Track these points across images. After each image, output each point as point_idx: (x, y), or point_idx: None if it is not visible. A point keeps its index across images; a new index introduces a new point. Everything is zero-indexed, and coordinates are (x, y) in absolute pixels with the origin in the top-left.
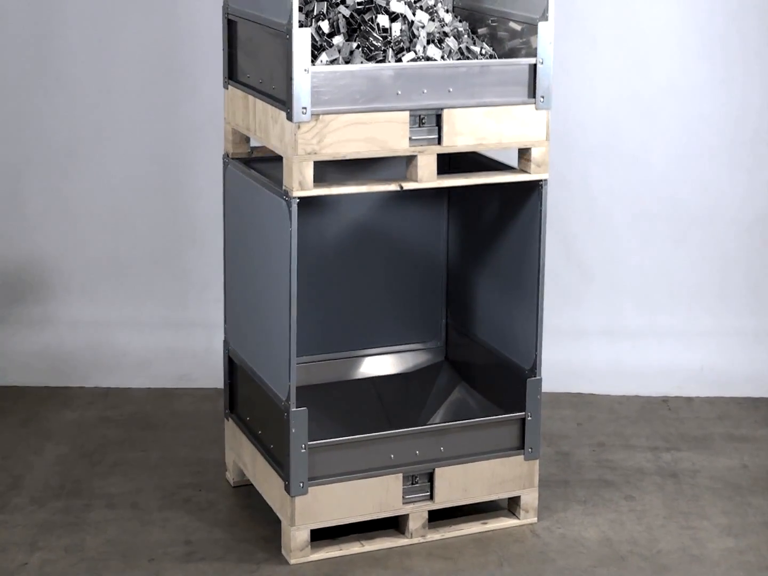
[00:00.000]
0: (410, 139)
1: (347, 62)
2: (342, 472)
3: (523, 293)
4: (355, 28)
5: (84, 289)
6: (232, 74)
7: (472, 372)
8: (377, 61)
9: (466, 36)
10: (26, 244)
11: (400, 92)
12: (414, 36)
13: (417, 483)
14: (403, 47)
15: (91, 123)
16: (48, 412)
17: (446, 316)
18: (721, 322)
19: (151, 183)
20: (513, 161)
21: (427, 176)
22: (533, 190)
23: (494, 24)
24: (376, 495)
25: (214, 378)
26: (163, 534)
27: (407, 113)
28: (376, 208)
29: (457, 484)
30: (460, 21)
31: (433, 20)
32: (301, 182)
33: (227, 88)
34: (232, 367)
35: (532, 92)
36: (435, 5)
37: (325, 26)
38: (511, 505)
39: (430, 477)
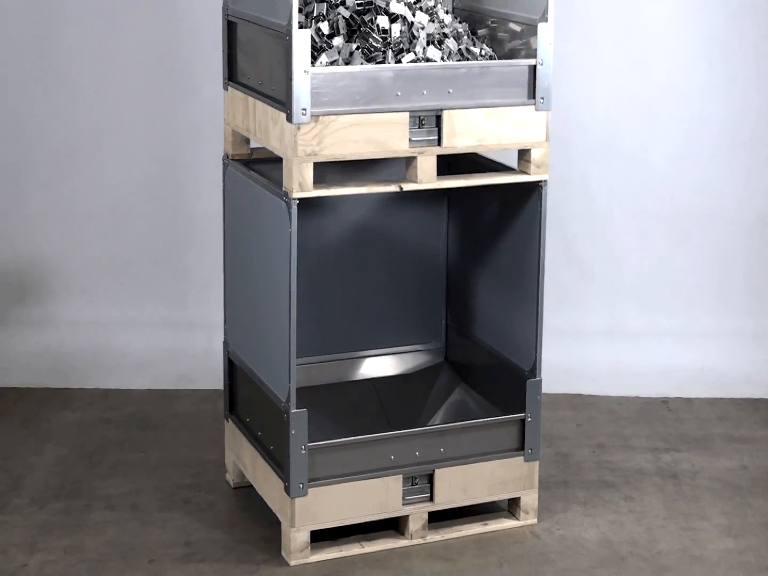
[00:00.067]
0: (410, 140)
1: (347, 63)
2: (342, 473)
3: (523, 294)
4: (354, 30)
5: (84, 289)
6: (231, 75)
7: (472, 373)
8: (377, 63)
9: (465, 37)
10: (26, 244)
11: (399, 93)
12: (414, 37)
13: (417, 484)
14: (402, 48)
15: (91, 123)
16: (48, 413)
17: (446, 317)
18: (721, 323)
19: (151, 183)
20: (513, 162)
21: (426, 177)
22: (533, 190)
23: (494, 25)
24: (376, 496)
25: (214, 379)
26: (162, 535)
27: (407, 114)
28: (376, 209)
29: (457, 485)
30: (460, 22)
31: (433, 21)
32: (301, 183)
33: (227, 89)
34: (232, 368)
35: (532, 93)
36: (435, 6)
37: (324, 27)
38: (511, 506)
39: (430, 478)
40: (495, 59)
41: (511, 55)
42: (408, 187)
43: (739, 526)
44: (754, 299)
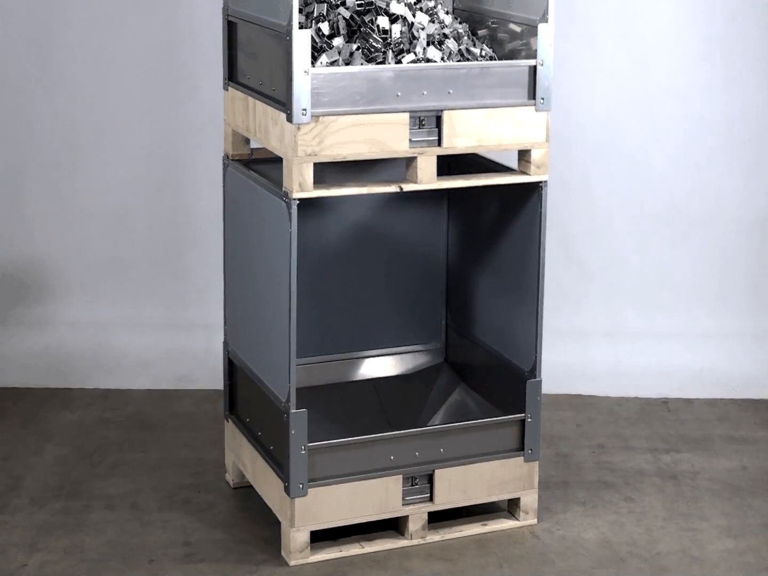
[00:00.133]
0: (410, 140)
1: (347, 64)
2: (342, 473)
3: (523, 295)
4: (355, 30)
5: (84, 289)
6: (232, 75)
7: (472, 373)
8: (377, 63)
9: (466, 38)
10: (26, 244)
11: (400, 94)
12: (414, 38)
13: (417, 484)
14: (403, 49)
15: (91, 123)
16: (48, 413)
17: (446, 318)
18: (721, 324)
19: (151, 183)
20: (513, 162)
21: (427, 178)
22: (533, 191)
23: (494, 25)
24: (376, 496)
25: (214, 379)
26: (162, 535)
27: (407, 115)
28: (376, 209)
29: (456, 485)
30: (460, 23)
31: (433, 22)
32: (301, 183)
33: (227, 90)
34: (231, 368)
35: (532, 94)
36: (435, 7)
37: (325, 28)
38: (511, 507)
39: (430, 478)
40: (495, 60)
41: (512, 55)
42: (408, 187)
43: (739, 527)
44: (753, 300)
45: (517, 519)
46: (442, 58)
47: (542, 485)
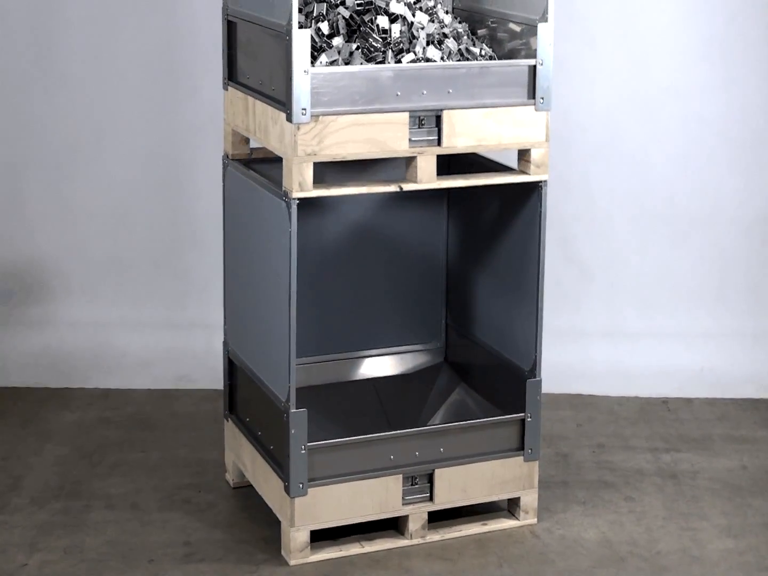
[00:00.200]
0: (410, 140)
1: (347, 63)
2: (342, 473)
3: (522, 294)
4: (354, 30)
5: (84, 289)
6: (231, 75)
7: (472, 373)
8: (377, 63)
9: (465, 37)
10: (26, 244)
11: (399, 93)
12: (413, 37)
13: (417, 484)
14: (402, 48)
15: (91, 123)
16: (48, 413)
17: (446, 317)
18: (721, 323)
19: (151, 183)
20: (513, 162)
21: (426, 177)
22: (533, 191)
23: (494, 25)
24: (376, 496)
25: (214, 379)
26: (162, 535)
27: (407, 114)
28: (376, 209)
29: (456, 485)
30: (460, 22)
31: (433, 21)
32: (301, 183)
33: (227, 89)
34: (231, 368)
35: (532, 93)
36: (434, 6)
37: (324, 27)
38: (511, 506)
39: (430, 478)
40: (495, 59)
41: (511, 55)
42: (408, 187)
43: (739, 526)
44: (753, 299)
45: (517, 518)
46: (442, 58)
47: (542, 485)
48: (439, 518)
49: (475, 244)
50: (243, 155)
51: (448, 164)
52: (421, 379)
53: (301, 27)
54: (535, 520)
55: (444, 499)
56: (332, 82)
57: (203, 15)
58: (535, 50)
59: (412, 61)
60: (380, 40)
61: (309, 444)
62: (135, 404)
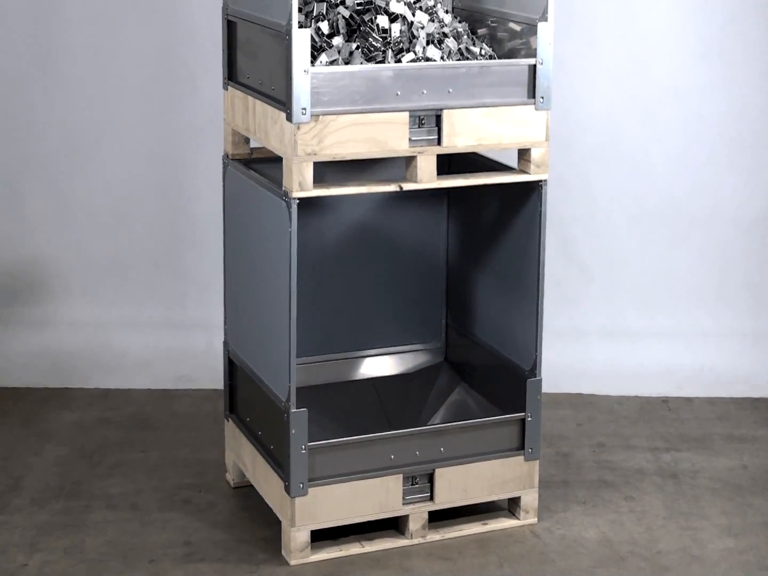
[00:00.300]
0: (410, 139)
1: (347, 63)
2: (342, 472)
3: (522, 294)
4: (354, 29)
5: (84, 289)
6: (231, 75)
7: (472, 373)
8: (377, 62)
9: (465, 37)
10: (26, 244)
11: (399, 93)
12: (413, 37)
13: (417, 484)
14: (402, 48)
15: (91, 123)
16: (48, 413)
17: (446, 317)
18: (721, 323)
19: (151, 183)
20: (513, 162)
21: (426, 177)
22: (533, 190)
23: (494, 24)
24: (376, 496)
25: (214, 379)
26: (162, 535)
27: (407, 114)
28: (376, 208)
29: (457, 484)
30: (460, 22)
31: (433, 21)
32: (301, 183)
33: (227, 89)
34: (232, 367)
35: (532, 93)
36: (434, 6)
37: (324, 27)
38: (511, 506)
39: (430, 478)
40: (495, 59)
41: (511, 54)
42: (408, 186)
43: (740, 526)
44: (753, 299)
45: (517, 518)
46: (442, 57)
47: (542, 484)
48: (439, 518)
49: (475, 243)
50: (243, 155)
51: (449, 164)
52: (421, 378)
53: (301, 26)
54: (536, 519)
55: (444, 499)
56: (332, 81)
57: (203, 15)
58: (535, 50)
59: (412, 60)
60: (380, 39)
61: (309, 444)
62: (135, 404)
